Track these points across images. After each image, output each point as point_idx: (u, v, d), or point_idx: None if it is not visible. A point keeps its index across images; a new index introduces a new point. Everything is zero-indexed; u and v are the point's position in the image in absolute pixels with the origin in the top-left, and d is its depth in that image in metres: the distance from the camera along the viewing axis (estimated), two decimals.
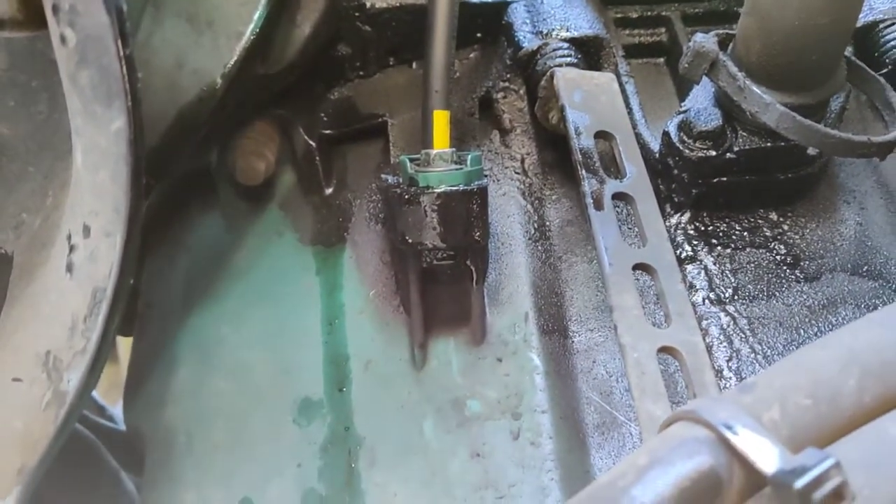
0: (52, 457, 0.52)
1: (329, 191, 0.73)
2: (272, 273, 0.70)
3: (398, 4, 0.69)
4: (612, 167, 0.61)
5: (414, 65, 0.73)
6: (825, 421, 0.34)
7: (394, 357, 0.63)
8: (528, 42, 0.69)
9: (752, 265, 0.64)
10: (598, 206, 0.58)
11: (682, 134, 0.62)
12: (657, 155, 0.65)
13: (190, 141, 0.63)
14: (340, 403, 0.62)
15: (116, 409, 1.09)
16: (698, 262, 0.64)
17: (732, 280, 0.64)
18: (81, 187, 0.47)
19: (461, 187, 0.58)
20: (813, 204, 0.67)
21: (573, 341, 0.63)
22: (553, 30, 0.70)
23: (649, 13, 0.76)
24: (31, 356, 0.52)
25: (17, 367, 0.52)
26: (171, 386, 0.65)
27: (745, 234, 0.65)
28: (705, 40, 0.59)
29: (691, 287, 0.63)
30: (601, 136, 0.62)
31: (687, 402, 0.38)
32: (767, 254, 0.65)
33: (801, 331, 0.61)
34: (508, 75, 0.72)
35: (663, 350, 0.51)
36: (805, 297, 0.63)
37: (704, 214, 0.66)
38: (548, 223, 0.68)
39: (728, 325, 0.61)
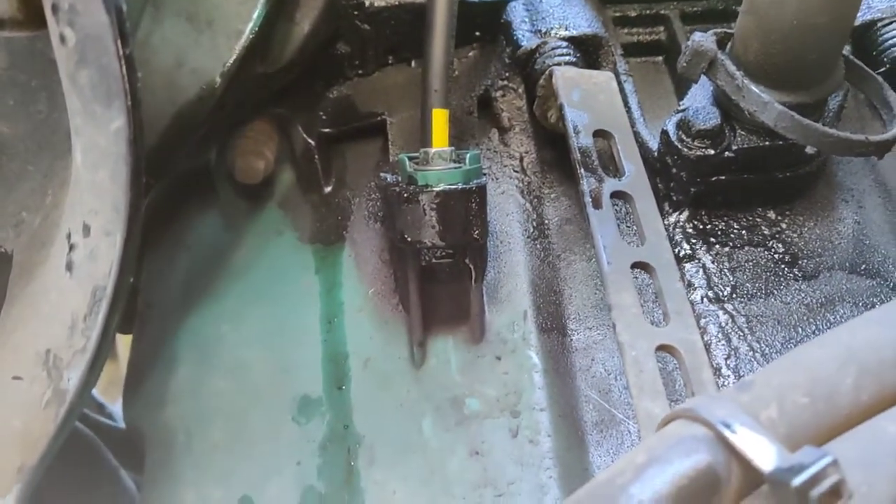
0: (52, 455, 0.52)
1: (328, 189, 0.73)
2: (271, 271, 0.70)
3: (397, 3, 0.69)
4: (611, 166, 0.61)
5: (413, 63, 0.73)
6: (823, 419, 0.34)
7: (393, 355, 0.63)
8: (527, 41, 0.69)
9: (751, 264, 0.64)
10: (597, 204, 0.58)
11: (680, 132, 0.62)
12: (656, 153, 0.65)
13: (189, 140, 0.63)
14: (339, 402, 0.62)
15: (116, 407, 1.09)
16: (697, 261, 0.64)
17: (731, 278, 0.64)
18: (81, 186, 0.47)
19: (460, 186, 0.58)
20: (811, 203, 0.67)
21: (572, 339, 0.63)
22: (552, 28, 0.70)
23: (648, 12, 0.76)
24: (31, 355, 0.52)
25: (17, 365, 0.52)
26: (171, 384, 0.66)
27: (744, 232, 0.66)
28: (704, 39, 0.59)
29: (690, 285, 0.63)
30: (600, 134, 0.62)
31: (685, 401, 0.38)
32: (766, 252, 0.65)
33: (800, 329, 0.61)
34: (507, 74, 0.72)
35: (662, 348, 0.51)
36: (803, 295, 0.63)
37: (703, 213, 0.66)
38: (546, 221, 0.68)
39: (726, 324, 0.62)
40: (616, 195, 0.59)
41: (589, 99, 0.64)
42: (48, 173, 0.55)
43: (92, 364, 0.49)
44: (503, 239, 0.66)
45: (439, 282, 0.64)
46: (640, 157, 0.61)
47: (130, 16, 0.45)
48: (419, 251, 0.61)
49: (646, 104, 0.70)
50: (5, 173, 0.56)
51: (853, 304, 0.62)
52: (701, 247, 0.65)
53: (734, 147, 0.62)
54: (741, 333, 0.61)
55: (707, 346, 0.60)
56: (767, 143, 0.62)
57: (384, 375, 0.63)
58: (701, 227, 0.66)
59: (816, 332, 0.61)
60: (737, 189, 0.65)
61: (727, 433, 0.32)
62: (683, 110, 0.63)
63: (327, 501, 0.58)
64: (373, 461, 0.59)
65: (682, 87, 0.72)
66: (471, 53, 0.73)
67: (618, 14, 0.75)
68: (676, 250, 0.65)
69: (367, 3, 0.69)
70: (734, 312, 0.62)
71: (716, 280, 0.64)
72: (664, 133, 0.63)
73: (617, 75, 0.69)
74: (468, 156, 0.60)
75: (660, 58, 0.76)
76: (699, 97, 0.64)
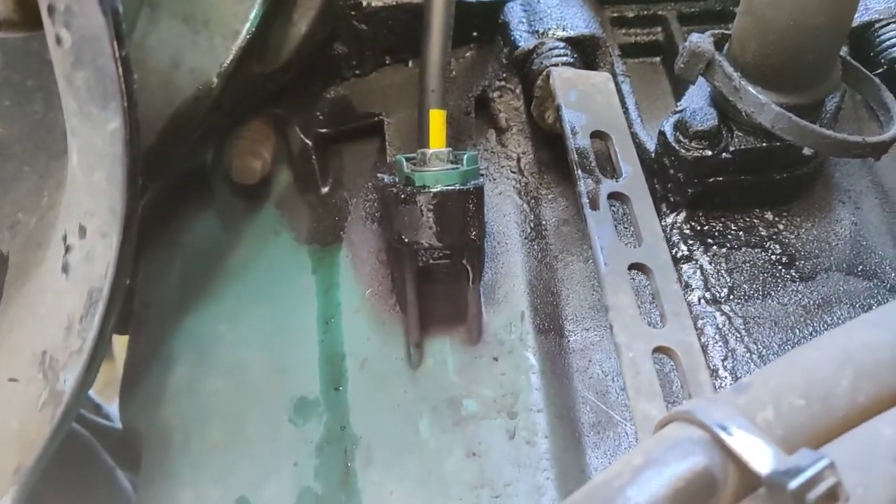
0: (48, 456, 0.52)
1: (325, 190, 0.73)
2: (268, 272, 0.70)
3: (394, 3, 0.69)
4: (608, 167, 0.61)
5: (410, 64, 0.73)
6: (819, 421, 0.34)
7: (390, 356, 0.63)
8: (525, 41, 0.69)
9: (748, 265, 0.64)
10: (594, 205, 0.58)
11: (677, 134, 0.62)
12: (653, 154, 0.65)
13: (186, 140, 0.63)
14: (336, 402, 0.62)
15: (112, 407, 1.08)
16: (694, 262, 0.65)
17: (728, 280, 0.64)
18: (77, 187, 0.47)
19: (457, 187, 0.58)
20: (808, 204, 0.67)
21: (569, 341, 0.63)
22: (549, 29, 0.70)
23: (645, 12, 0.76)
24: (28, 356, 0.52)
25: (13, 366, 0.52)
26: (168, 385, 0.65)
27: (741, 233, 0.66)
28: (701, 40, 0.59)
29: (687, 287, 0.63)
30: (597, 135, 0.62)
31: (682, 402, 0.38)
32: (763, 253, 0.65)
33: (797, 330, 0.62)
34: (505, 74, 0.72)
35: (659, 350, 0.51)
36: (800, 296, 0.63)
37: (700, 214, 0.66)
38: (544, 222, 0.68)
39: (723, 325, 0.62)
40: (613, 196, 0.59)
41: (586, 100, 0.64)
42: (44, 174, 0.55)
43: (88, 365, 0.49)
44: (500, 240, 0.66)
45: (436, 283, 0.64)
46: (638, 158, 0.61)
47: (127, 17, 0.45)
48: (416, 252, 0.61)
49: (643, 105, 0.70)
50: (1, 174, 0.56)
51: (850, 306, 0.62)
52: (698, 248, 0.65)
53: (731, 148, 0.62)
54: (738, 335, 0.61)
55: (704, 348, 0.60)
56: (765, 144, 0.62)
57: (381, 376, 0.63)
58: (698, 228, 0.66)
59: (813, 333, 0.61)
60: (734, 190, 0.65)
61: (724, 436, 0.32)
62: (681, 111, 0.63)
63: (324, 502, 0.58)
64: (370, 462, 0.59)
65: (679, 87, 0.72)
66: (468, 54, 0.73)
67: (615, 15, 0.75)
68: (674, 251, 0.65)
69: (364, 4, 0.68)
70: (731, 314, 0.62)
71: (713, 281, 0.64)
72: (661, 134, 0.63)
73: (614, 76, 0.69)
74: (465, 156, 0.60)
75: (657, 58, 0.76)
76: (696, 98, 0.64)
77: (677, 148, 0.62)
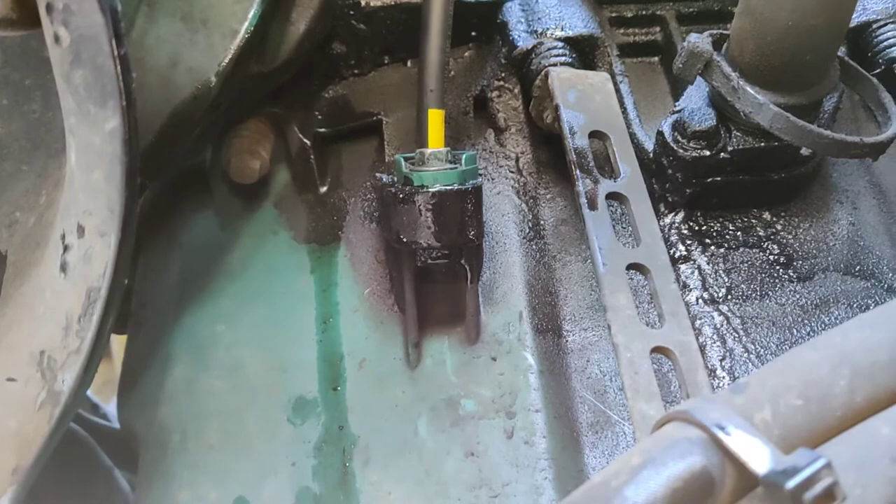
0: (46, 456, 0.52)
1: (324, 189, 0.73)
2: (267, 271, 0.70)
3: (393, 3, 0.69)
4: (607, 167, 0.62)
5: (409, 63, 0.73)
6: (816, 421, 0.34)
7: (388, 356, 0.63)
8: (523, 41, 0.69)
9: (746, 265, 0.64)
10: (593, 205, 0.58)
11: (676, 134, 0.62)
12: (651, 154, 0.65)
13: (184, 139, 0.63)
14: (335, 402, 0.62)
15: (110, 407, 1.08)
16: (692, 262, 0.65)
17: (726, 280, 0.64)
18: (75, 186, 0.47)
19: (456, 186, 0.58)
20: (806, 204, 0.67)
21: (567, 340, 0.63)
22: (548, 29, 0.70)
23: (644, 12, 0.76)
24: (26, 356, 0.51)
25: (11, 366, 0.52)
26: (166, 384, 0.65)
27: (739, 233, 0.66)
28: (699, 40, 0.59)
29: (685, 287, 0.63)
30: (595, 135, 0.62)
31: (680, 402, 0.38)
32: (761, 253, 0.65)
33: (794, 330, 0.62)
34: (503, 74, 0.72)
35: (657, 350, 0.51)
36: (798, 296, 0.63)
37: (698, 214, 0.66)
38: (542, 222, 0.68)
39: (721, 325, 0.62)
40: (611, 196, 0.59)
41: (585, 100, 0.64)
42: (42, 173, 0.55)
43: (86, 365, 0.49)
44: (499, 240, 0.66)
45: (435, 282, 0.64)
46: (636, 158, 0.61)
47: (125, 15, 0.45)
48: (415, 252, 0.61)
49: (641, 105, 0.70)
50: None
51: (848, 306, 0.63)
52: (696, 248, 0.65)
53: (730, 148, 0.62)
54: (736, 335, 0.61)
55: (702, 348, 0.60)
56: (763, 144, 0.62)
57: (379, 376, 0.63)
58: (696, 228, 0.66)
59: (811, 333, 0.61)
60: (732, 190, 0.65)
61: (721, 435, 0.32)
62: (679, 111, 0.63)
63: (322, 502, 0.58)
64: (368, 462, 0.59)
65: (677, 88, 0.72)
66: (467, 54, 0.73)
67: (614, 15, 0.76)
68: (672, 251, 0.65)
69: (362, 3, 0.68)
70: (729, 314, 0.62)
71: (711, 281, 0.64)
72: (660, 134, 0.63)
73: (613, 76, 0.69)
74: (464, 156, 0.60)
75: (656, 58, 0.77)
76: (695, 98, 0.64)
77: (675, 148, 0.62)
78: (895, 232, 0.67)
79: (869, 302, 0.63)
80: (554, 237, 0.68)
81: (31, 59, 0.53)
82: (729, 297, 0.63)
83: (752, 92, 0.57)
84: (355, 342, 0.65)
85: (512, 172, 0.70)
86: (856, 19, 0.70)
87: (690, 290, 0.63)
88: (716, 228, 0.66)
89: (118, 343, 1.08)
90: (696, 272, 0.64)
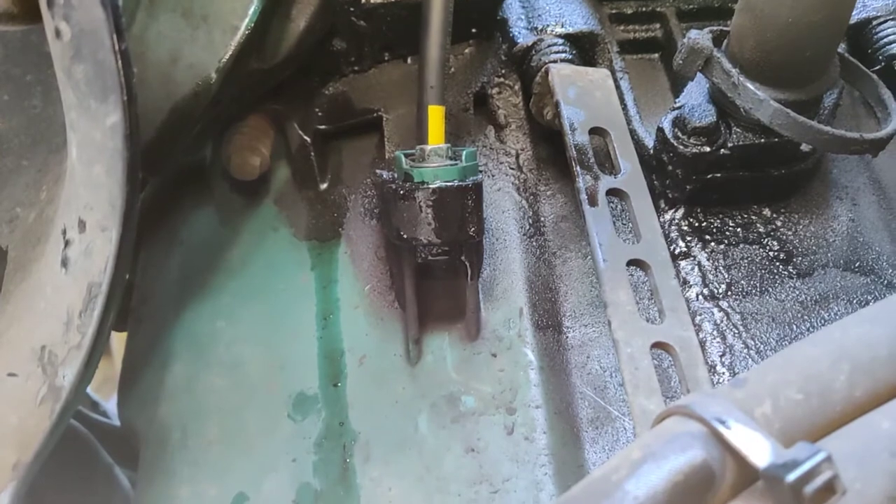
0: (47, 452, 0.52)
1: (324, 186, 0.73)
2: (267, 268, 0.70)
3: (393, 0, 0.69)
4: (607, 163, 0.62)
5: (409, 60, 0.73)
6: (816, 415, 0.34)
7: (388, 352, 0.63)
8: (523, 38, 0.69)
9: (746, 261, 0.65)
10: (593, 202, 0.58)
11: (676, 130, 0.62)
12: (651, 151, 0.65)
13: (184, 135, 0.63)
14: (335, 398, 0.62)
15: (110, 404, 1.08)
16: (692, 258, 0.65)
17: (726, 276, 0.64)
18: (76, 182, 0.47)
19: (456, 183, 0.58)
20: (806, 200, 0.67)
21: (567, 337, 0.63)
22: (548, 25, 0.70)
23: (644, 9, 0.76)
24: (27, 351, 0.51)
25: (12, 361, 0.52)
26: (166, 381, 0.65)
27: (739, 230, 0.66)
28: (700, 37, 0.60)
29: (685, 283, 0.64)
30: (596, 132, 0.62)
31: (680, 398, 0.38)
32: (761, 250, 0.65)
33: (794, 326, 0.62)
34: (503, 71, 0.72)
35: (657, 345, 0.51)
36: (798, 292, 0.63)
37: (698, 210, 0.66)
38: (542, 219, 0.68)
39: (721, 321, 0.62)
40: (612, 192, 0.59)
41: (585, 96, 0.64)
42: (43, 168, 0.55)
43: (87, 360, 0.49)
44: (499, 236, 0.66)
45: (435, 279, 0.64)
46: (636, 154, 0.61)
47: (126, 10, 0.45)
48: (415, 248, 0.61)
49: (642, 101, 0.70)
50: None
51: (847, 302, 0.63)
52: (696, 244, 0.65)
53: (730, 144, 0.62)
54: (736, 331, 0.61)
55: (702, 344, 0.60)
56: (763, 140, 0.62)
57: (380, 372, 0.63)
58: (696, 224, 0.66)
59: (811, 329, 0.61)
60: (732, 186, 0.65)
61: (722, 429, 0.32)
62: (679, 107, 0.63)
63: (323, 498, 0.58)
64: (368, 458, 0.59)
65: (677, 84, 0.72)
66: (467, 50, 0.73)
67: (614, 11, 0.76)
68: (672, 248, 0.65)
69: (363, 0, 0.68)
70: (729, 310, 0.62)
71: (711, 277, 0.64)
72: (660, 130, 0.63)
73: (613, 73, 0.69)
74: (464, 153, 0.60)
75: (656, 55, 0.77)
76: (695, 94, 0.64)
77: (676, 144, 0.62)
78: (895, 228, 0.67)
79: (868, 298, 0.63)
80: (554, 233, 0.68)
81: (31, 55, 0.53)
82: (729, 293, 0.63)
83: (752, 88, 0.58)
84: (356, 338, 0.65)
85: (512, 169, 0.70)
86: (856, 16, 0.70)
87: (690, 287, 0.63)
88: (716, 225, 0.66)
89: (118, 341, 1.07)
90: (697, 268, 0.64)
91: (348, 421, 0.61)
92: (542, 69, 0.67)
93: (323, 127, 0.73)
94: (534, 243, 0.67)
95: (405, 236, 0.59)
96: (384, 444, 0.59)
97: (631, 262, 0.55)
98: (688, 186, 0.64)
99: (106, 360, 1.23)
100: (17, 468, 0.52)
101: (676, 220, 0.66)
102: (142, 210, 0.71)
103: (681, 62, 0.60)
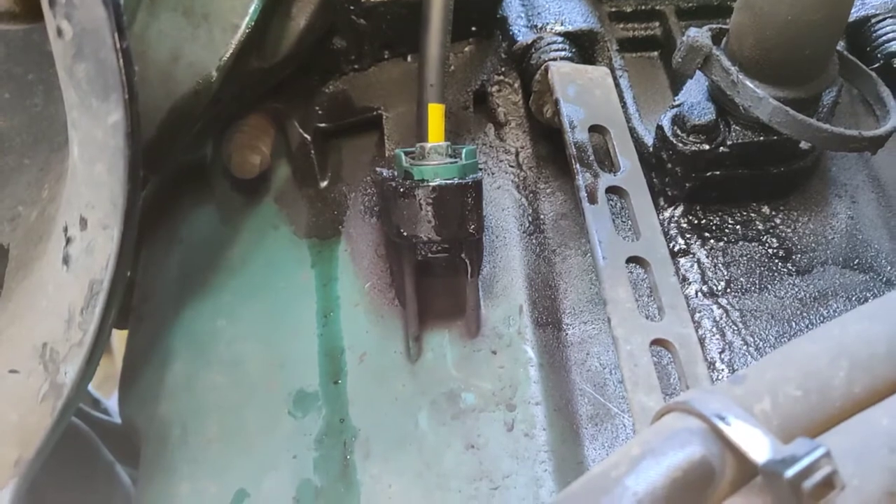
0: (48, 449, 0.52)
1: (324, 184, 0.73)
2: (267, 266, 0.70)
3: None
4: (606, 161, 0.62)
5: (409, 58, 0.73)
6: (815, 412, 0.34)
7: (389, 349, 0.63)
8: (523, 36, 0.69)
9: (745, 258, 0.65)
10: (592, 199, 0.58)
11: (675, 128, 0.63)
12: (651, 149, 0.66)
13: (185, 134, 0.63)
14: (335, 395, 0.62)
15: (111, 402, 1.09)
16: (691, 256, 0.65)
17: (725, 273, 0.64)
18: (78, 180, 0.47)
19: (456, 181, 0.58)
20: (805, 198, 0.67)
21: (567, 334, 0.63)
22: (547, 24, 0.70)
23: (643, 7, 0.76)
24: (28, 348, 0.52)
25: (13, 358, 0.52)
26: (167, 379, 0.66)
27: (738, 227, 0.66)
28: (699, 35, 0.60)
29: (684, 280, 0.64)
30: (595, 129, 0.63)
31: (679, 394, 0.39)
32: (760, 247, 0.65)
33: (793, 323, 0.62)
34: (503, 69, 0.72)
35: (656, 342, 0.51)
36: (797, 289, 0.63)
37: (698, 208, 0.67)
38: (542, 216, 0.69)
39: (720, 318, 0.62)
40: (611, 190, 0.59)
41: (584, 94, 0.64)
42: (44, 167, 0.55)
43: (89, 358, 0.49)
44: (499, 234, 0.67)
45: (435, 276, 0.64)
46: (636, 152, 0.61)
47: (127, 9, 0.45)
48: (415, 246, 0.61)
49: (641, 99, 0.71)
50: (1, 167, 0.56)
51: (846, 299, 0.63)
52: (695, 241, 0.65)
53: (729, 142, 0.62)
54: (735, 328, 0.62)
55: (701, 341, 0.60)
56: (762, 138, 0.62)
57: (380, 369, 0.63)
58: (696, 221, 0.66)
59: (810, 326, 0.61)
60: (731, 184, 0.65)
61: (721, 425, 0.33)
62: (678, 105, 0.63)
63: (323, 495, 0.58)
64: (368, 455, 0.59)
65: (677, 82, 0.72)
66: (467, 48, 0.73)
67: (613, 9, 0.76)
68: (671, 245, 0.65)
69: None
70: (728, 307, 0.63)
71: (710, 275, 0.64)
72: (659, 128, 0.63)
73: (612, 71, 0.69)
74: (464, 151, 0.60)
75: (655, 53, 0.77)
76: (694, 92, 0.64)
77: (675, 142, 0.62)
78: (893, 225, 0.67)
79: (867, 295, 0.63)
80: (554, 231, 0.68)
81: (33, 53, 0.53)
82: (728, 290, 0.63)
83: (751, 86, 0.58)
84: (356, 336, 0.65)
85: (512, 167, 0.70)
86: (855, 14, 0.70)
87: (690, 284, 0.63)
88: (715, 222, 0.66)
89: (119, 338, 1.08)
90: (696, 265, 0.64)
91: (349, 418, 0.61)
92: (542, 67, 0.67)
93: (323, 125, 0.73)
94: (533, 241, 0.67)
95: (405, 234, 0.59)
96: (384, 441, 0.60)
97: (630, 260, 0.55)
98: (687, 184, 0.64)
99: (107, 358, 1.23)
100: (18, 465, 0.52)
101: (676, 218, 0.66)
102: (143, 208, 0.72)
103: (680, 60, 0.60)
